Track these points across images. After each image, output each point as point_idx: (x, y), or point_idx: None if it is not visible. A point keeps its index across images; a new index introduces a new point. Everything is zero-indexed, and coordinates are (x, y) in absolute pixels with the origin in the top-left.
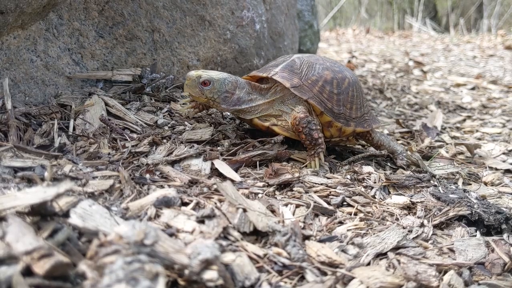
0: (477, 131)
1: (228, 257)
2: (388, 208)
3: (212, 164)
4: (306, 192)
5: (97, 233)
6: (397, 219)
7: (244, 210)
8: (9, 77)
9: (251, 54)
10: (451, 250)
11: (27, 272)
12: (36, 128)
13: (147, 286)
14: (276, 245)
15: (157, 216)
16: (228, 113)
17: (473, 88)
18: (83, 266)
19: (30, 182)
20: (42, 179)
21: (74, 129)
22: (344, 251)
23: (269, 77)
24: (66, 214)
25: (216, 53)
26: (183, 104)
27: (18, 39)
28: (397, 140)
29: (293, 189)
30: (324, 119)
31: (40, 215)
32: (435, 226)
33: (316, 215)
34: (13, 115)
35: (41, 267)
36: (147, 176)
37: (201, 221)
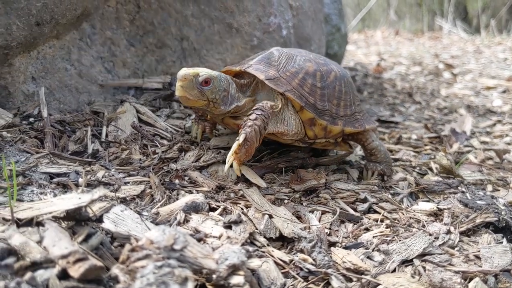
0: (507, 135)
1: (254, 262)
2: (414, 215)
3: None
4: (333, 199)
5: (129, 237)
6: (423, 226)
7: (270, 216)
8: (45, 85)
9: None
10: (477, 257)
11: (63, 275)
12: (71, 135)
13: None
14: (302, 251)
15: (186, 221)
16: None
17: (504, 91)
18: (115, 270)
19: (65, 187)
20: (77, 185)
21: (106, 135)
22: (369, 257)
23: (243, 70)
24: (99, 219)
25: (242, 59)
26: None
27: (53, 49)
28: (425, 145)
29: (319, 195)
30: (305, 116)
31: (75, 220)
32: (461, 233)
33: (342, 222)
34: (49, 123)
35: (76, 271)
36: (177, 181)
37: (228, 226)
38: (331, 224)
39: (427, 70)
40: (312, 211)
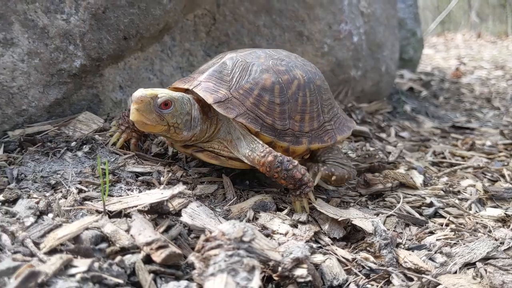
0: None
1: (318, 258)
2: (482, 220)
3: None
4: (399, 203)
5: (203, 230)
6: (489, 231)
7: (335, 217)
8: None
9: (348, 66)
10: None
11: (147, 260)
12: (153, 139)
13: (245, 277)
14: (370, 245)
15: (255, 218)
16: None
17: None
18: (192, 258)
19: (148, 185)
20: (159, 183)
21: None
22: (431, 259)
23: (191, 90)
24: (178, 213)
25: None
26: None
27: (138, 60)
28: (499, 152)
29: (385, 199)
30: (262, 140)
31: (157, 213)
32: None
33: (407, 225)
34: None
35: (158, 256)
36: (247, 182)
37: (294, 225)
38: (395, 227)
39: (510, 74)
40: (377, 214)
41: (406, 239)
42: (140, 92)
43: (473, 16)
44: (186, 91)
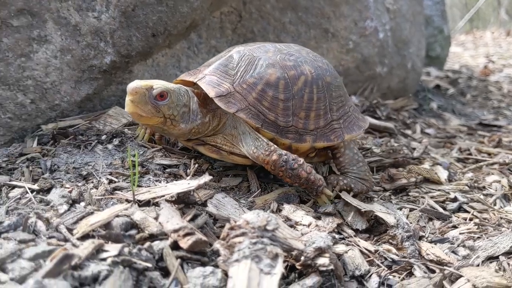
0: None
1: (340, 248)
2: (506, 215)
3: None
4: (422, 198)
5: (228, 219)
6: None
7: (358, 209)
8: None
9: (374, 63)
10: None
11: (175, 246)
12: None
13: (268, 263)
14: (392, 238)
15: (279, 210)
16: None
17: None
18: (217, 245)
19: (175, 177)
20: (186, 174)
21: None
22: (454, 252)
23: (195, 82)
24: (204, 204)
25: (338, 62)
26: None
27: (165, 57)
28: None
29: (409, 194)
30: (264, 136)
31: (184, 203)
32: None
33: (430, 219)
34: None
35: (185, 243)
36: (271, 176)
37: (317, 217)
38: (418, 221)
39: None
40: (400, 209)
41: (429, 233)
42: (135, 83)
43: (503, 13)
44: (195, 84)
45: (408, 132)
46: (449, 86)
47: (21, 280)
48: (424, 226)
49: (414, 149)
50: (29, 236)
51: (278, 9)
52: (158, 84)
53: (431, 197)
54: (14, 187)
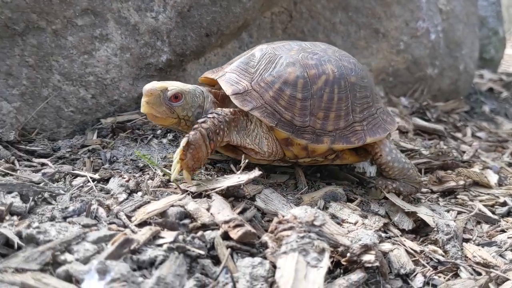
0: None
1: (386, 246)
2: None
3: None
4: (471, 201)
5: (276, 214)
6: None
7: (404, 210)
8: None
9: (425, 64)
10: None
11: (225, 236)
12: None
13: (315, 257)
14: (435, 242)
15: (325, 207)
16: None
17: None
18: (265, 238)
19: (225, 171)
20: (236, 169)
21: None
22: (501, 255)
23: (216, 80)
24: (252, 198)
25: (388, 63)
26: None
27: (217, 56)
28: None
29: (457, 196)
30: (279, 135)
31: (233, 197)
32: None
33: (479, 223)
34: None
35: (235, 234)
36: (318, 175)
37: (364, 216)
38: (466, 224)
39: None
40: (448, 211)
41: (477, 236)
42: (150, 85)
43: None
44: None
45: (459, 135)
46: (503, 90)
47: (85, 260)
48: (472, 229)
49: (463, 152)
50: (92, 221)
51: (329, 9)
52: (173, 86)
53: (480, 201)
54: (76, 176)
